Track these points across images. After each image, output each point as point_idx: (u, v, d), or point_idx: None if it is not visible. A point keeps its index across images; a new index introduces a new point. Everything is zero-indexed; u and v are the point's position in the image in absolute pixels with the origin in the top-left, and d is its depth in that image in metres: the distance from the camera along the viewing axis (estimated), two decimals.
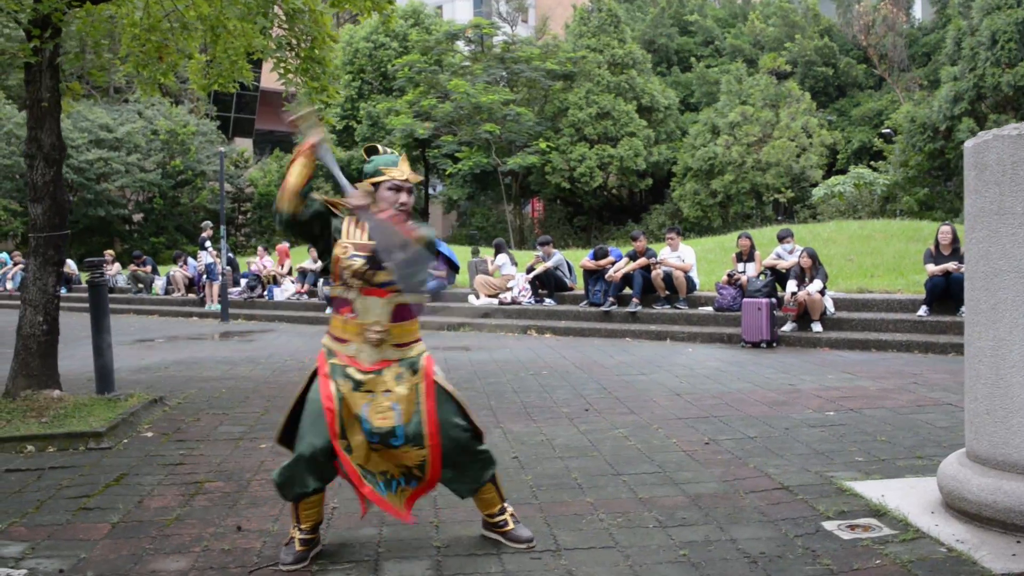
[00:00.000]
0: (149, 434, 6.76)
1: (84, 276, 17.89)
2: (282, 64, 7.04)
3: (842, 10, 39.49)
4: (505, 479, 4.61)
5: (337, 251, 3.86)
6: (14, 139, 30.68)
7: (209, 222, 20.16)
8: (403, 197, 3.87)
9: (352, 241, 3.86)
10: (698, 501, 4.81)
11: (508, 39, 34.80)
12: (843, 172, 31.95)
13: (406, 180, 3.87)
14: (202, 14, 7.38)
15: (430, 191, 39.58)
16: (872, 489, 4.85)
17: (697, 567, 3.88)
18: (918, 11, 43.62)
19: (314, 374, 3.97)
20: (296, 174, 3.75)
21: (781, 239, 12.57)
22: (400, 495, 3.97)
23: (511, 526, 4.14)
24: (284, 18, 6.76)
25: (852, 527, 4.30)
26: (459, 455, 3.95)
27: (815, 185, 30.88)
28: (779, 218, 31.59)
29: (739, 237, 12.89)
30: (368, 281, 3.84)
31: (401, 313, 3.91)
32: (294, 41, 6.80)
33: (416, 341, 4.00)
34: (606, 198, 36.78)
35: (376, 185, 3.87)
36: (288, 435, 4.00)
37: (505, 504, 4.20)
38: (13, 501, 5.04)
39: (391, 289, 3.85)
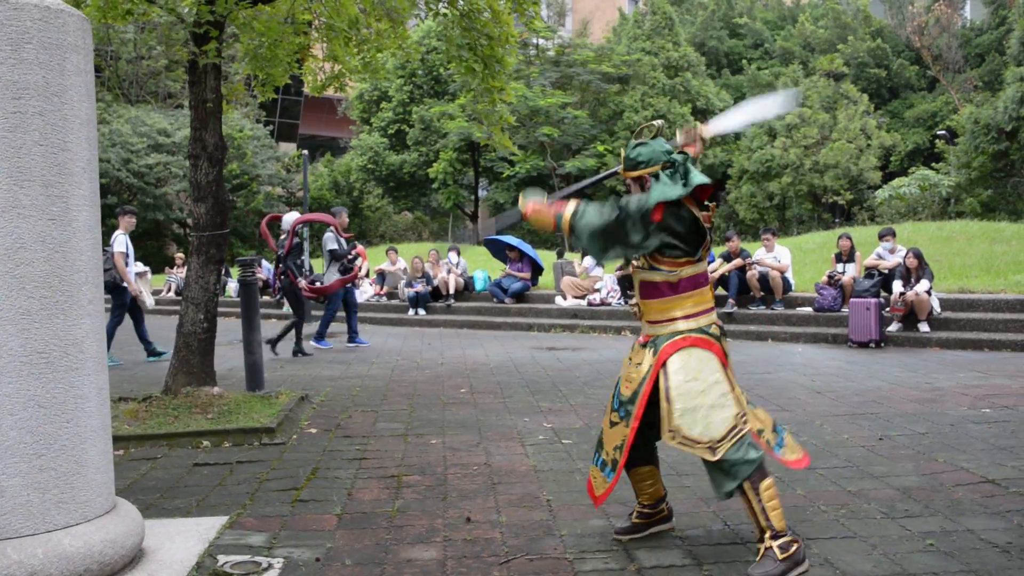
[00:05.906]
0: (313, 430, 6.86)
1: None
2: (463, 63, 7.13)
3: (894, 11, 39.25)
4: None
5: None
6: None
7: None
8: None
9: None
10: (909, 494, 4.82)
11: (562, 42, 34.84)
12: (897, 174, 31.71)
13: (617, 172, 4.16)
14: (351, 16, 7.48)
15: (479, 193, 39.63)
16: None
17: (952, 556, 3.90)
18: (968, 11, 43.25)
19: None
20: None
21: (881, 238, 12.50)
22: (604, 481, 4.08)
23: (758, 558, 3.70)
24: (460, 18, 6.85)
25: None
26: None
27: (872, 187, 30.67)
28: (836, 220, 31.39)
29: (839, 238, 12.85)
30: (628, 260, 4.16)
31: (647, 290, 3.97)
32: (472, 41, 6.87)
33: (669, 320, 3.88)
34: None
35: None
36: None
37: (767, 536, 3.67)
38: (222, 493, 5.13)
39: (635, 265, 4.02)
